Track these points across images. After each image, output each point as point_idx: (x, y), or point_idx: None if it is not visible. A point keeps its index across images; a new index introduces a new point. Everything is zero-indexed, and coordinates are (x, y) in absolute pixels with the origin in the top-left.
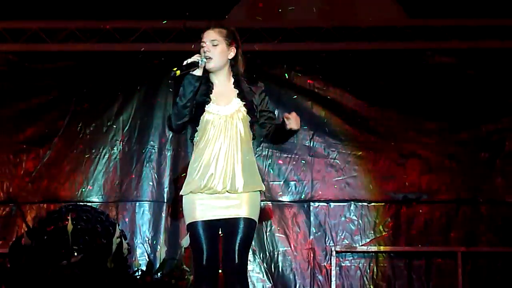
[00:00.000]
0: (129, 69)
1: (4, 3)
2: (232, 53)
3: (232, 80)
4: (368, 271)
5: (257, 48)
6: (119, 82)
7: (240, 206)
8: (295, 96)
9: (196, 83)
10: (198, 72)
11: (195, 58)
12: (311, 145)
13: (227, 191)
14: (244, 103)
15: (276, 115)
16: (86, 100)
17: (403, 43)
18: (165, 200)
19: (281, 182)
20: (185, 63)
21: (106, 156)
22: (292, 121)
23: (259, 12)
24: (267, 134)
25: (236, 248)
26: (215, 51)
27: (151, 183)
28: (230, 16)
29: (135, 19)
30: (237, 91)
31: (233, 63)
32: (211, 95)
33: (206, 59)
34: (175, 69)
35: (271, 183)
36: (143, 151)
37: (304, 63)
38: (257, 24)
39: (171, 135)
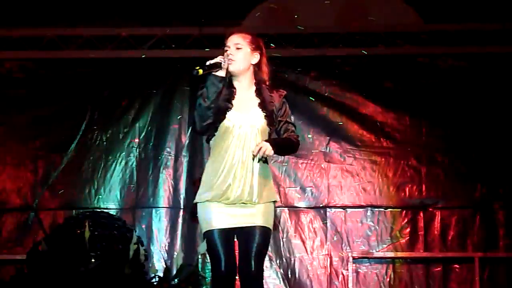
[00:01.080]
0: (145, 76)
1: (20, 10)
2: (255, 59)
3: (254, 87)
4: (385, 277)
5: (273, 54)
6: (135, 89)
7: (255, 214)
8: (311, 102)
9: (220, 84)
10: (221, 73)
11: (218, 59)
12: (327, 150)
13: (243, 202)
14: (265, 114)
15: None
16: (102, 106)
17: (418, 47)
18: (182, 207)
19: (298, 188)
20: (208, 63)
21: (123, 163)
22: (257, 154)
23: (275, 18)
24: None
25: (252, 255)
26: (238, 54)
27: (167, 190)
28: (245, 22)
29: (151, 26)
30: (259, 100)
31: (256, 69)
32: (233, 101)
33: (229, 61)
34: (197, 67)
35: (288, 189)
36: (160, 157)
37: (320, 69)
38: (272, 30)
39: (187, 141)
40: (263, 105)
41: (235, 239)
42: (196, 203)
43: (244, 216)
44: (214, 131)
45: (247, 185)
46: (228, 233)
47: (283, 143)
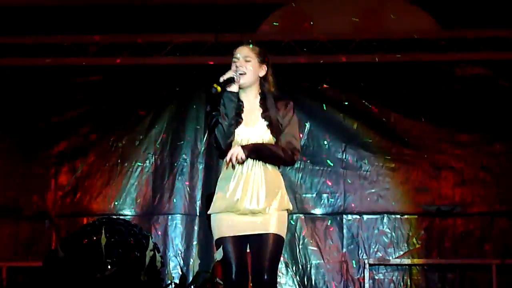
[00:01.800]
0: (161, 83)
1: (37, 18)
2: (263, 71)
3: (259, 97)
4: (402, 284)
5: (289, 61)
6: (151, 96)
7: (268, 222)
8: (327, 108)
9: (235, 99)
10: (234, 88)
11: (231, 74)
12: (344, 157)
13: (253, 212)
14: (268, 123)
15: (308, 128)
16: (118, 114)
17: (436, 54)
18: (198, 213)
19: (314, 195)
20: (222, 79)
21: (139, 170)
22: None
23: (291, 25)
24: None
25: (265, 263)
26: (248, 67)
27: (183, 196)
28: (261, 29)
29: (167, 33)
30: (264, 111)
31: (262, 81)
32: (242, 115)
33: (240, 74)
34: (215, 85)
35: (304, 195)
36: (175, 164)
37: (336, 75)
38: (288, 37)
39: (203, 148)
40: (265, 115)
41: (248, 247)
42: (209, 215)
43: (256, 224)
44: None
45: (256, 197)
46: (240, 241)
47: (264, 148)
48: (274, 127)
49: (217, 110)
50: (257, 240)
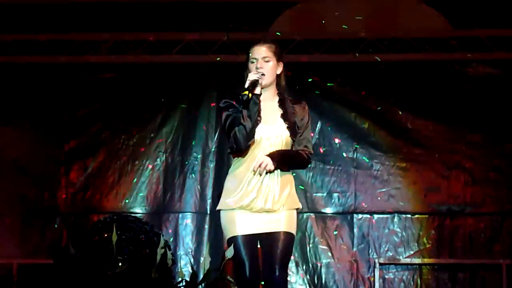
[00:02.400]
0: (173, 81)
1: (48, 16)
2: (280, 69)
3: (277, 98)
4: (412, 283)
5: (300, 60)
6: (163, 94)
7: (279, 220)
8: (339, 108)
9: (258, 101)
10: (258, 90)
11: (254, 76)
12: (355, 156)
13: (267, 210)
14: (287, 125)
15: (319, 127)
16: (129, 111)
17: (448, 54)
18: (208, 212)
19: (324, 194)
20: (247, 84)
21: (150, 168)
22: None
23: (302, 23)
24: None
25: (276, 261)
26: (268, 67)
27: (194, 195)
28: (272, 28)
29: (178, 31)
30: (282, 112)
31: (278, 79)
32: (261, 113)
33: (261, 75)
34: (246, 92)
35: (314, 194)
36: (186, 162)
37: (348, 74)
38: (300, 35)
39: (214, 146)
40: (286, 117)
41: (259, 245)
42: (219, 210)
43: (268, 222)
44: None
45: (271, 195)
46: (252, 239)
47: (290, 158)
48: (293, 129)
49: (234, 107)
50: (268, 238)
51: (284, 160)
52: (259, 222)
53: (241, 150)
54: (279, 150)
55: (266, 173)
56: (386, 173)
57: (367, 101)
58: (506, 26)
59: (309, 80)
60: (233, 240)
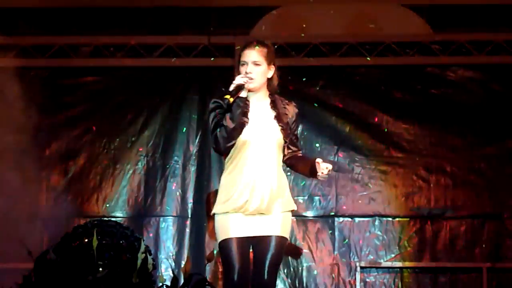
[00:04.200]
0: (154, 84)
1: (30, 19)
2: (271, 72)
3: (269, 100)
4: (393, 286)
5: (281, 63)
6: (144, 98)
7: (273, 224)
8: (320, 111)
9: (243, 104)
10: (243, 93)
11: (240, 80)
12: (336, 160)
13: (262, 212)
14: (281, 127)
15: (300, 130)
16: (110, 115)
17: (428, 57)
18: (190, 216)
19: (306, 197)
20: (232, 87)
21: (131, 171)
22: (325, 175)
23: (283, 27)
24: (283, 156)
25: (266, 264)
26: (257, 72)
27: (175, 198)
28: (254, 31)
29: (159, 35)
30: (274, 113)
31: (269, 81)
32: (249, 115)
33: (250, 79)
34: (227, 96)
35: (296, 198)
36: (168, 166)
37: (329, 78)
38: (281, 39)
39: (195, 150)
40: (279, 118)
41: (251, 249)
42: (213, 214)
43: (262, 226)
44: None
45: (265, 198)
46: (244, 242)
47: None
48: (286, 130)
49: (222, 107)
50: (262, 241)
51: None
52: (252, 225)
53: (221, 151)
54: (309, 158)
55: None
56: (367, 176)
57: (348, 104)
58: (486, 30)
59: (290, 84)
60: (225, 243)
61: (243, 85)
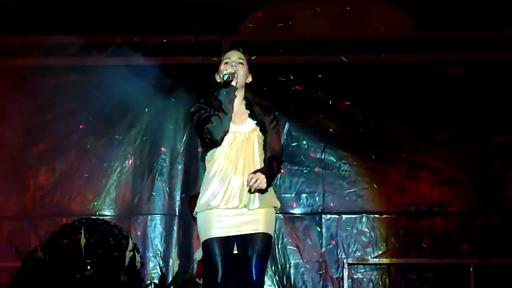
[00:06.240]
0: (140, 83)
1: (15, 20)
2: (250, 79)
3: (244, 102)
4: (380, 283)
5: (268, 61)
6: (130, 96)
7: (257, 221)
8: (307, 108)
9: (233, 93)
10: (234, 82)
11: (231, 69)
12: (323, 157)
13: (244, 206)
14: (256, 122)
15: (287, 128)
16: (97, 114)
17: (414, 55)
18: (177, 213)
19: (293, 195)
20: (226, 73)
21: (118, 170)
22: (254, 186)
23: (269, 25)
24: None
25: (254, 264)
26: (241, 69)
27: (162, 197)
28: (240, 30)
29: (146, 33)
30: (249, 112)
31: (247, 88)
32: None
33: (235, 73)
34: (227, 72)
35: (283, 195)
36: (155, 164)
37: (315, 76)
38: (267, 37)
39: (182, 149)
40: (254, 116)
41: (236, 248)
42: (196, 213)
43: (245, 224)
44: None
45: (244, 193)
46: (227, 242)
47: (277, 169)
48: (262, 128)
49: (205, 109)
50: (246, 240)
51: (272, 175)
52: (235, 224)
53: (216, 141)
54: (267, 168)
55: (257, 191)
56: (354, 173)
57: (334, 102)
58: (472, 28)
59: (277, 81)
60: (208, 242)
61: (234, 73)
